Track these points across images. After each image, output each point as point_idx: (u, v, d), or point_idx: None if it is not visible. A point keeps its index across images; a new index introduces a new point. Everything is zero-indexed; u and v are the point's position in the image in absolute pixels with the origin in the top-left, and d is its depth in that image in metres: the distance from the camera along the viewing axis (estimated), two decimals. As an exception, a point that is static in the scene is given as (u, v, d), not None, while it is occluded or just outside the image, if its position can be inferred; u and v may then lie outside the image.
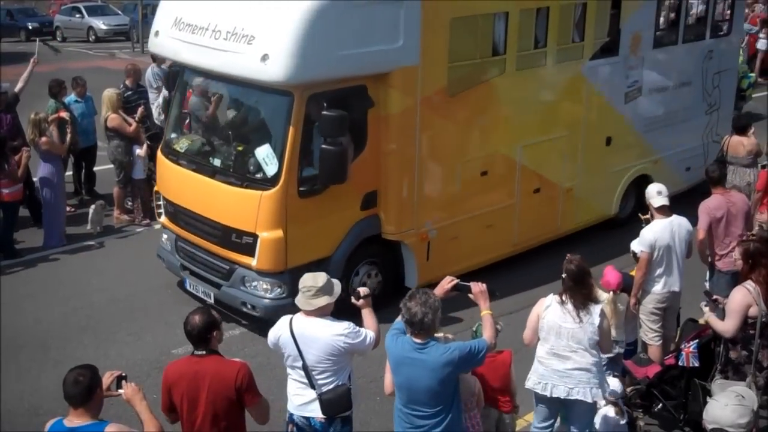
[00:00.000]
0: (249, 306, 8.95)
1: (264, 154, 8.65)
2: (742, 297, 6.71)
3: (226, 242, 8.94)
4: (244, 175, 8.80)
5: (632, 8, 11.25)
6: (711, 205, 8.62)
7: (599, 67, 11.09)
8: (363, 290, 6.06)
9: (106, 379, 5.01)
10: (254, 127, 9.11)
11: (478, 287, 5.79)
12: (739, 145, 11.48)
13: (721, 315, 7.04)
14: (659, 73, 11.98)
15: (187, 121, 9.77)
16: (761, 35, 23.36)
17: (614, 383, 6.84)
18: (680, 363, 7.29)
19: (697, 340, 7.28)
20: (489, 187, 10.17)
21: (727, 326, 6.79)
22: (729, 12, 13.13)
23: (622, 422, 6.82)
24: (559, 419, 6.72)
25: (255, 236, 8.66)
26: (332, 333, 5.72)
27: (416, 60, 9.01)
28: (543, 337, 6.42)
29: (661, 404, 7.49)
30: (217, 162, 9.13)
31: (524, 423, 7.33)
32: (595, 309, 6.31)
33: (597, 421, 6.72)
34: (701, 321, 7.62)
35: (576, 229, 11.45)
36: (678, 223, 7.98)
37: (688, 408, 7.29)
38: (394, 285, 9.59)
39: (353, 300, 6.02)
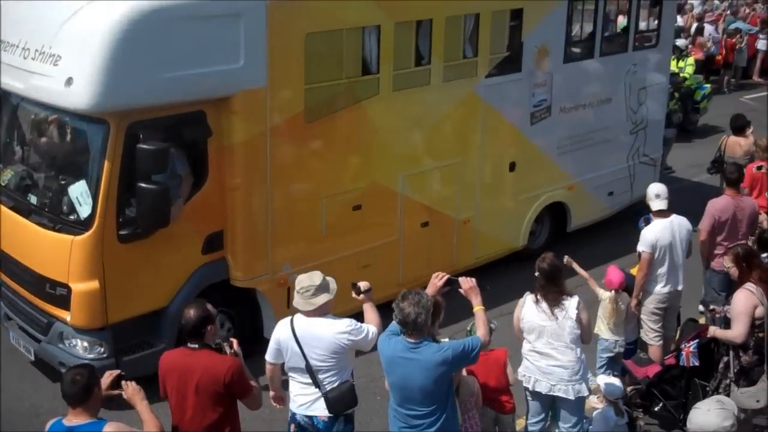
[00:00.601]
0: (67, 366, 7.73)
1: (78, 192, 7.46)
2: (745, 299, 6.61)
3: (42, 293, 7.75)
4: (57, 216, 7.61)
5: (536, 19, 10.08)
6: (717, 207, 8.50)
7: (498, 86, 9.90)
8: (363, 284, 5.98)
9: (106, 378, 5.04)
10: (70, 160, 7.91)
11: (468, 283, 5.70)
12: (736, 145, 11.17)
13: (721, 324, 6.96)
14: (572, 90, 10.82)
15: (11, 151, 8.56)
16: (761, 35, 22.68)
17: (614, 383, 6.84)
18: (680, 363, 7.27)
19: (697, 340, 7.20)
20: (364, 222, 9.00)
21: (736, 332, 6.64)
22: (656, 21, 11.97)
23: (622, 422, 6.82)
24: (550, 418, 6.74)
25: (68, 287, 7.47)
26: (335, 331, 5.68)
27: (263, 82, 7.83)
28: (525, 335, 6.51)
29: (661, 404, 7.49)
30: (33, 200, 7.94)
31: (524, 423, 7.14)
32: (571, 302, 6.34)
33: (596, 420, 6.75)
34: (701, 321, 7.49)
35: (477, 264, 10.28)
36: (678, 222, 7.90)
37: (688, 408, 6.83)
38: (252, 336, 8.38)
39: (354, 294, 5.95)
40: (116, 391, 5.08)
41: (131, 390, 5.09)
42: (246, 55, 7.66)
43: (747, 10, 25.04)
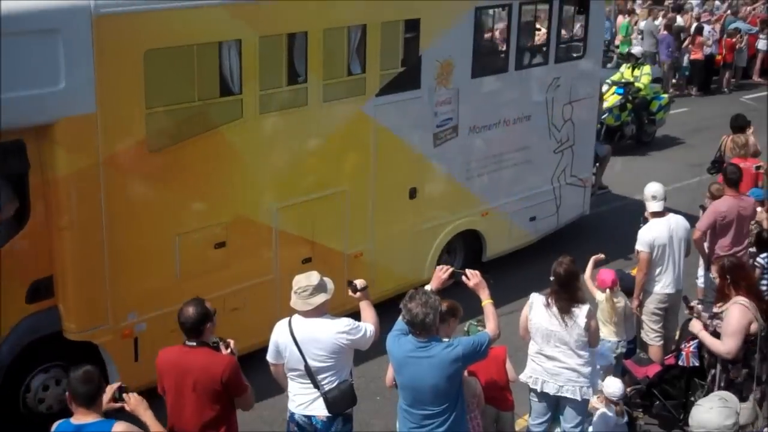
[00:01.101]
0: None
1: None
2: (741, 316, 6.43)
3: None
4: None
5: (437, 30, 9.09)
6: (720, 208, 8.47)
7: (392, 104, 8.89)
8: (360, 282, 5.94)
9: (108, 392, 5.04)
10: None
11: (475, 277, 5.66)
12: None
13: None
14: (483, 107, 9.82)
15: None
16: (761, 35, 22.68)
17: (615, 383, 6.84)
18: (680, 363, 7.29)
19: (697, 340, 7.12)
20: (229, 261, 7.99)
21: (727, 347, 6.49)
22: (583, 30, 10.97)
23: (622, 422, 6.86)
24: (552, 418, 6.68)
25: None
26: (334, 331, 5.67)
27: (91, 107, 6.83)
28: (532, 337, 6.46)
29: (661, 404, 7.50)
30: None
31: (524, 423, 7.09)
32: (582, 310, 6.25)
33: (597, 420, 6.75)
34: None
35: (375, 302, 9.23)
36: (675, 221, 7.90)
37: (688, 407, 6.79)
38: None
39: (350, 293, 5.93)
40: (118, 404, 5.10)
41: (134, 401, 5.10)
42: (67, 77, 6.66)
43: (747, 9, 25.01)
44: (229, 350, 5.50)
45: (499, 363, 6.39)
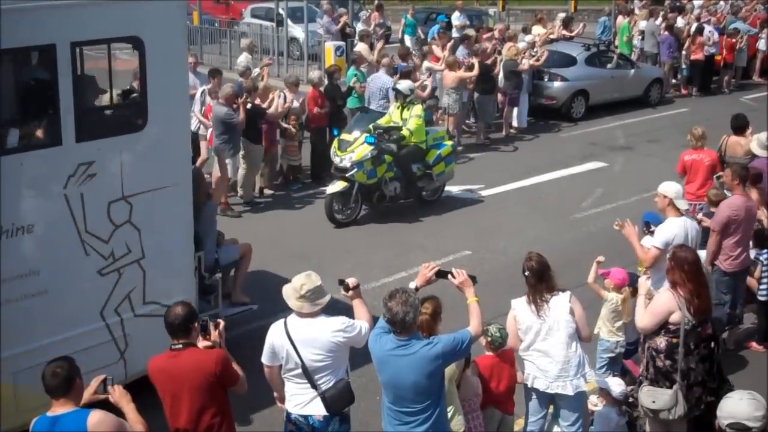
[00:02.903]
0: None
1: None
2: (666, 302, 6.63)
3: None
4: None
5: None
6: (733, 207, 8.63)
7: None
8: (352, 281, 6.03)
9: (93, 383, 5.22)
10: None
11: (461, 276, 5.78)
12: (737, 145, 11.23)
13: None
14: None
15: None
16: (761, 36, 23.09)
17: (616, 383, 7.02)
18: None
19: None
20: None
21: (644, 323, 6.76)
22: (139, 86, 7.22)
23: (623, 422, 6.98)
24: (551, 416, 6.72)
25: None
26: (330, 330, 5.77)
27: None
28: (522, 336, 6.56)
29: None
30: None
31: (522, 423, 7.04)
32: (563, 297, 6.40)
33: (598, 420, 6.93)
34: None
35: None
36: (690, 223, 8.06)
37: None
38: None
39: (342, 291, 6.02)
40: (103, 395, 5.17)
41: (118, 393, 5.19)
42: None
43: (747, 8, 25.33)
44: (217, 331, 5.64)
45: (512, 367, 6.57)
